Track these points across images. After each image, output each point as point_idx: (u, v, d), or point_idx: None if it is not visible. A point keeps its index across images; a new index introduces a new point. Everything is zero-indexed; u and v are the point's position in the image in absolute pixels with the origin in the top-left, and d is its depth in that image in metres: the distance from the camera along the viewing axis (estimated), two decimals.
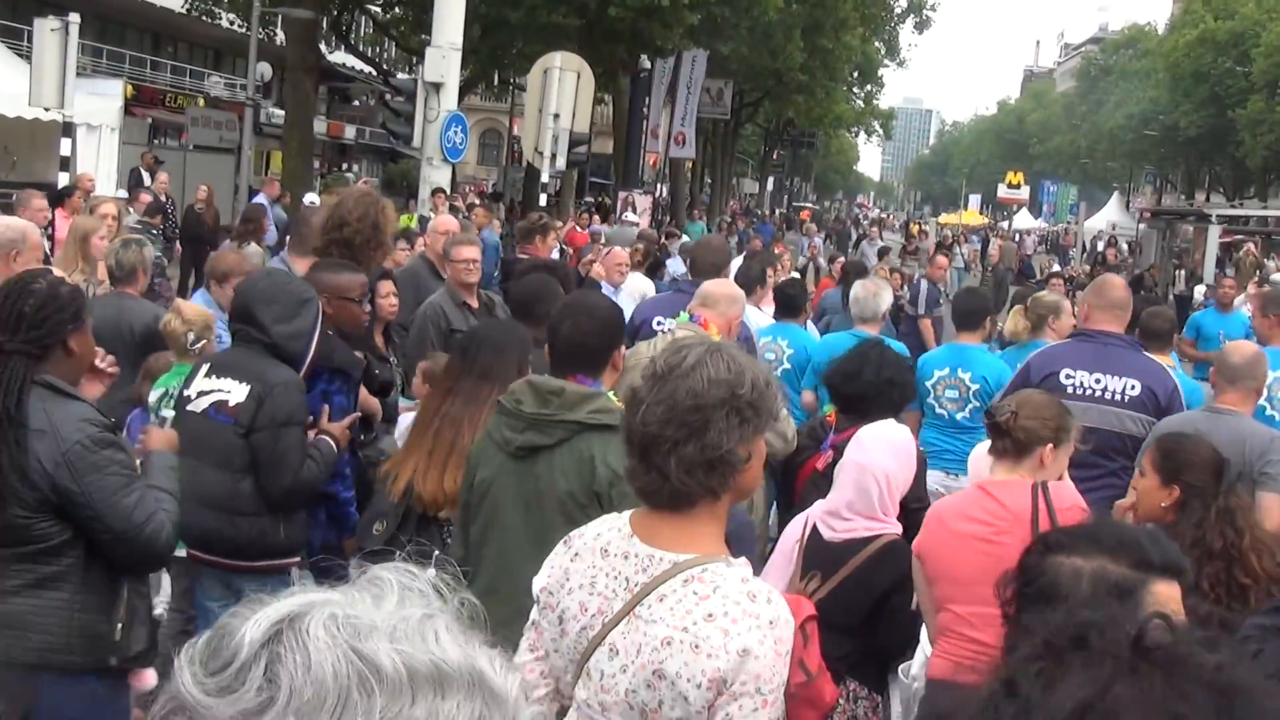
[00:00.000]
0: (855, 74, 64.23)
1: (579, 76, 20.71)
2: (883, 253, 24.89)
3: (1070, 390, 6.56)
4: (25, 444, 3.97)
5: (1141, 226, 51.12)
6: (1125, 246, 47.85)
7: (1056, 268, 36.03)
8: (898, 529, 4.99)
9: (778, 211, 71.74)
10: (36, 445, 3.98)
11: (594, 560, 2.99)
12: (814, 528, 5.02)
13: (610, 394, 4.20)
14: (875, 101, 74.64)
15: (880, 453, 5.01)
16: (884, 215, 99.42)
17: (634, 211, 32.77)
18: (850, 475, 4.99)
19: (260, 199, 22.38)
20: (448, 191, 20.29)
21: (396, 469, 4.97)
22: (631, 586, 2.88)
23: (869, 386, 5.99)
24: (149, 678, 4.40)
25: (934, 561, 4.70)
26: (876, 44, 59.94)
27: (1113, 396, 6.67)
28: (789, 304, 9.38)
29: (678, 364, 2.84)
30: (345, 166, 52.17)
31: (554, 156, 20.42)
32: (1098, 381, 6.70)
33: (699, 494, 2.84)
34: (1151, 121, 70.06)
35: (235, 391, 5.24)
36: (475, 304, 8.31)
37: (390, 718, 1.12)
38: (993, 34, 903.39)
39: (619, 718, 2.81)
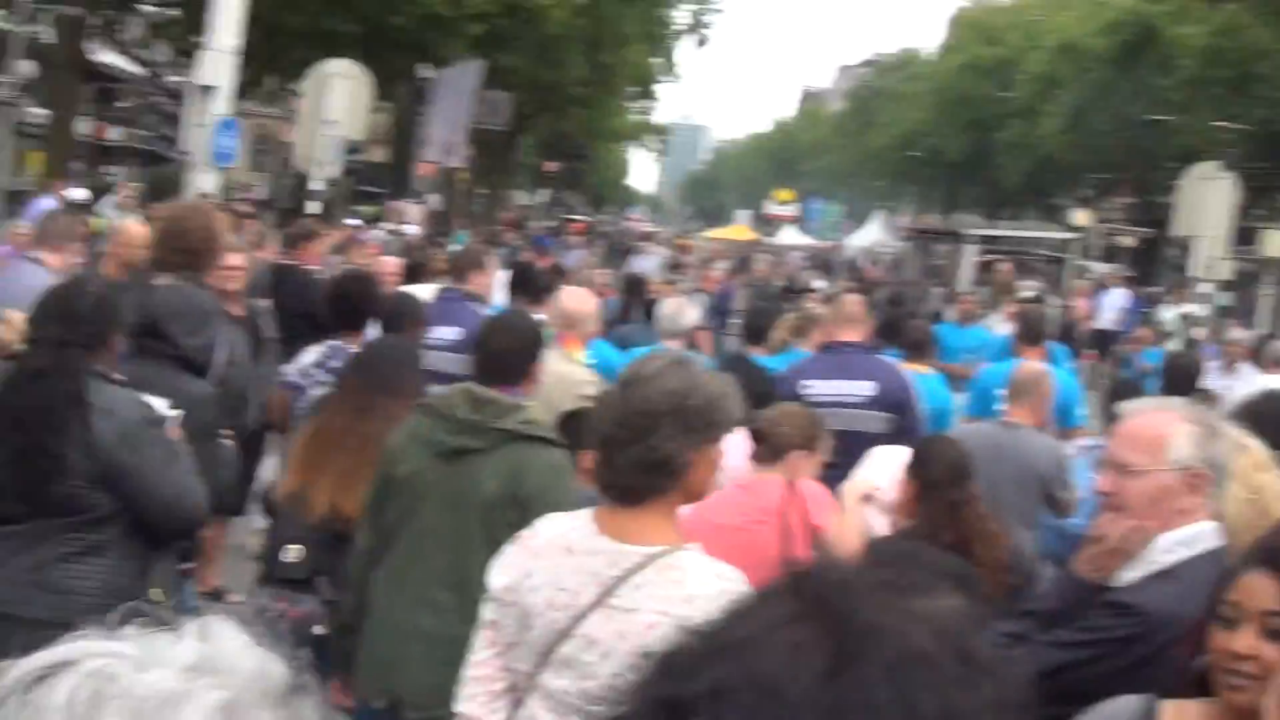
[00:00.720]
0: (633, 88, 64.87)
1: (357, 84, 20.59)
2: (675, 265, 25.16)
3: (811, 400, 6.92)
4: (90, 423, 4.39)
5: (902, 244, 52.87)
6: (886, 264, 49.41)
7: (817, 284, 37.03)
8: None
9: (551, 223, 71.98)
10: (99, 422, 4.42)
11: (558, 558, 3.20)
12: None
13: (531, 405, 4.59)
14: (650, 116, 75.36)
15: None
16: (655, 230, 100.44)
17: (407, 221, 32.50)
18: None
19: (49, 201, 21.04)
20: (214, 196, 19.91)
21: (306, 490, 5.11)
22: (602, 580, 3.10)
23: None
24: None
25: None
26: (655, 60, 60.55)
27: (850, 400, 7.22)
28: None
29: (639, 372, 3.21)
30: (108, 169, 50.51)
31: (327, 164, 20.25)
32: (835, 388, 7.24)
33: (645, 491, 3.14)
34: (917, 142, 72.40)
35: (155, 406, 5.19)
36: (240, 313, 7.96)
37: None
38: (771, 54, 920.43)
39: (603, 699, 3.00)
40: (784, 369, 7.97)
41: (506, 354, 4.69)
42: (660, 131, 78.99)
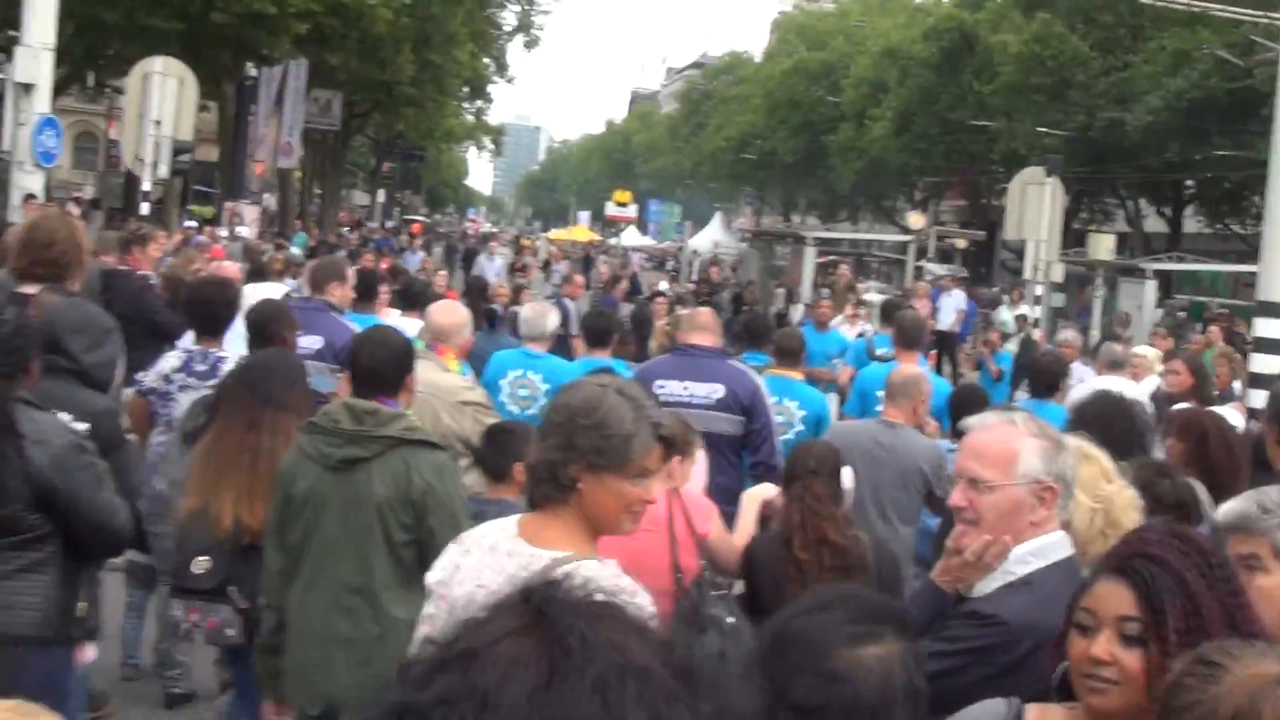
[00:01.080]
0: (466, 89, 64.53)
1: (181, 82, 20.03)
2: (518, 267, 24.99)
3: (662, 399, 6.99)
4: (23, 451, 4.52)
5: (743, 246, 53.37)
6: (728, 265, 49.81)
7: (663, 285, 37.13)
8: None
9: (386, 224, 71.23)
10: (32, 450, 4.54)
11: (482, 556, 3.43)
12: None
13: (410, 413, 4.91)
14: (485, 117, 75.10)
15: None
16: (495, 230, 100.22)
17: (242, 223, 31.88)
18: None
19: None
20: (40, 198, 19.22)
21: (209, 504, 5.25)
22: (514, 579, 2.92)
23: None
24: (91, 650, 5.05)
25: None
26: (486, 60, 60.33)
27: (700, 400, 7.42)
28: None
29: (567, 385, 3.51)
30: None
31: (155, 164, 19.69)
32: (685, 389, 7.46)
33: (541, 499, 3.38)
34: (750, 145, 73.22)
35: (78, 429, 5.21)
36: None
37: None
38: (600, 55, 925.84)
39: None
40: (637, 369, 8.19)
41: (381, 366, 4.91)
42: (495, 132, 78.74)
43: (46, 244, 6.47)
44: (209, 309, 7.39)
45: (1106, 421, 6.01)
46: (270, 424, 5.34)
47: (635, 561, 4.56)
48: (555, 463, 3.32)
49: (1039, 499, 3.42)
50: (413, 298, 10.39)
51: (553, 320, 9.16)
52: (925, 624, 3.50)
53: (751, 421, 7.44)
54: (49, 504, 4.64)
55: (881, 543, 5.59)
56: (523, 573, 3.15)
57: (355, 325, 8.08)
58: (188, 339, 7.66)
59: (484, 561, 3.41)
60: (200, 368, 7.03)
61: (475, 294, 15.10)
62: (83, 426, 4.87)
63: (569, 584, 1.45)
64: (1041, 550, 3.43)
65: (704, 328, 7.94)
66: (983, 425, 3.57)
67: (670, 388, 7.44)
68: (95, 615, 4.99)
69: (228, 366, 6.75)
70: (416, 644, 3.41)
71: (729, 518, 5.81)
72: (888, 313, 15.09)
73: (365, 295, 10.15)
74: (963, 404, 7.93)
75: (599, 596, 1.46)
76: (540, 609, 1.40)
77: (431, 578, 3.55)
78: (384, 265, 18.81)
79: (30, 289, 6.14)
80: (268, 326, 6.80)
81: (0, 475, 4.54)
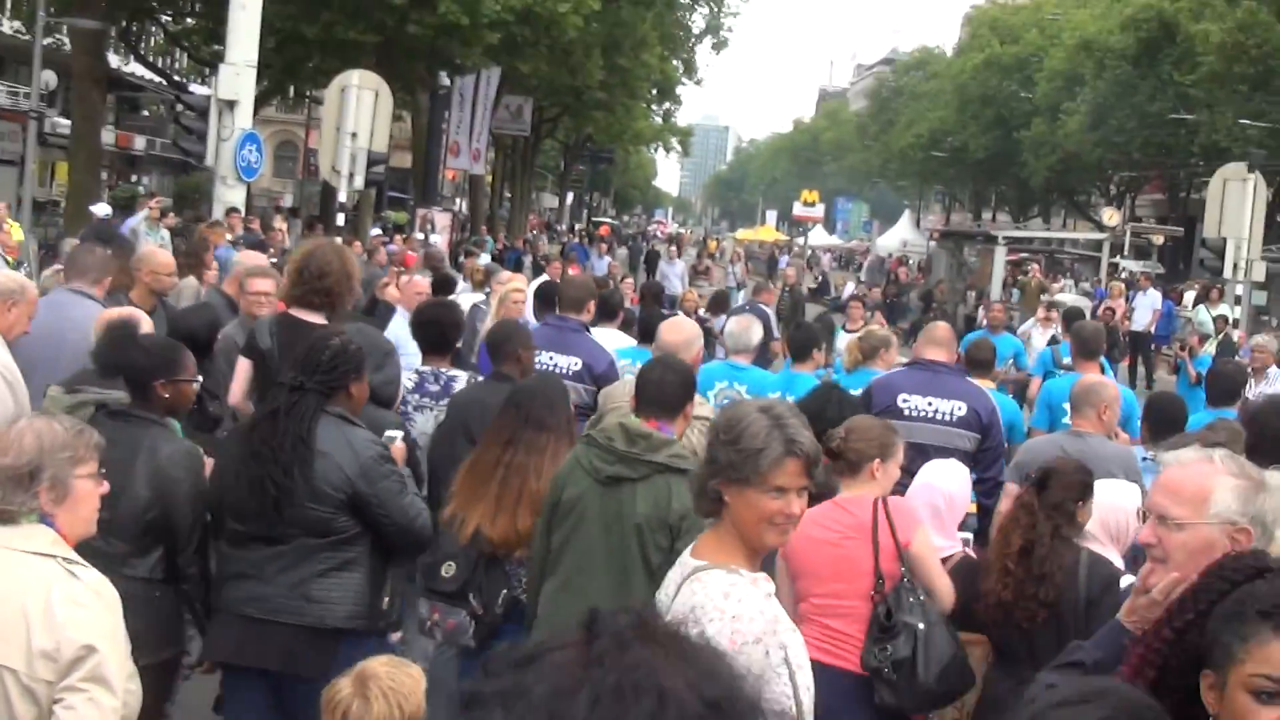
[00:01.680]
0: (654, 91, 64.90)
1: (377, 95, 20.54)
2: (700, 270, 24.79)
3: (906, 412, 7.55)
4: (311, 461, 5.07)
5: (931, 245, 52.66)
6: (915, 265, 49.26)
7: (851, 288, 36.80)
8: (959, 547, 6.06)
9: (577, 226, 72.01)
10: (341, 459, 5.14)
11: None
12: None
13: (680, 441, 5.22)
14: (673, 119, 75.43)
15: (945, 478, 6.18)
16: (682, 230, 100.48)
17: (434, 229, 32.57)
18: (921, 498, 6.00)
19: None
20: (241, 211, 19.93)
21: (462, 513, 5.60)
22: (675, 583, 3.70)
23: (831, 424, 6.16)
24: (397, 635, 5.89)
25: (794, 561, 5.55)
26: (675, 63, 60.61)
27: (943, 417, 7.65)
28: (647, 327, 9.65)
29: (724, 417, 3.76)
30: (135, 179, 50.69)
31: (352, 176, 20.23)
32: (930, 404, 7.69)
33: (704, 513, 3.77)
34: (940, 142, 72.16)
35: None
36: None
37: None
38: (788, 54, 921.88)
39: None
40: (880, 379, 8.27)
41: (668, 391, 5.36)
42: (683, 133, 79.01)
43: (320, 274, 7.00)
44: (436, 329, 7.75)
45: (1261, 424, 6.12)
46: (527, 443, 5.62)
47: (838, 565, 5.46)
48: (704, 477, 3.68)
49: (1232, 540, 3.28)
50: (611, 309, 10.40)
51: (756, 333, 9.15)
52: (1112, 665, 3.38)
53: (986, 440, 7.66)
54: (358, 508, 5.19)
55: (1099, 559, 5.48)
56: (680, 580, 3.66)
57: (608, 348, 8.69)
58: (416, 359, 7.95)
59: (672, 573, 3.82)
60: (433, 387, 7.46)
61: (649, 300, 14.91)
62: (397, 434, 5.76)
63: (631, 619, 1.65)
64: None
65: (940, 343, 8.20)
66: (1179, 461, 3.46)
67: (915, 402, 7.68)
68: (397, 609, 5.56)
69: (460, 385, 7.34)
70: None
71: None
72: (1070, 320, 14.94)
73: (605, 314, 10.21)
74: (1159, 411, 7.76)
75: (668, 624, 1.70)
76: (589, 626, 1.62)
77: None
78: (572, 270, 18.88)
79: (306, 315, 6.87)
80: (504, 345, 7.19)
81: (286, 480, 5.07)
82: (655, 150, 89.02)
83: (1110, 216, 44.36)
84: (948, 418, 7.63)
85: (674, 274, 28.51)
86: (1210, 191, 23.40)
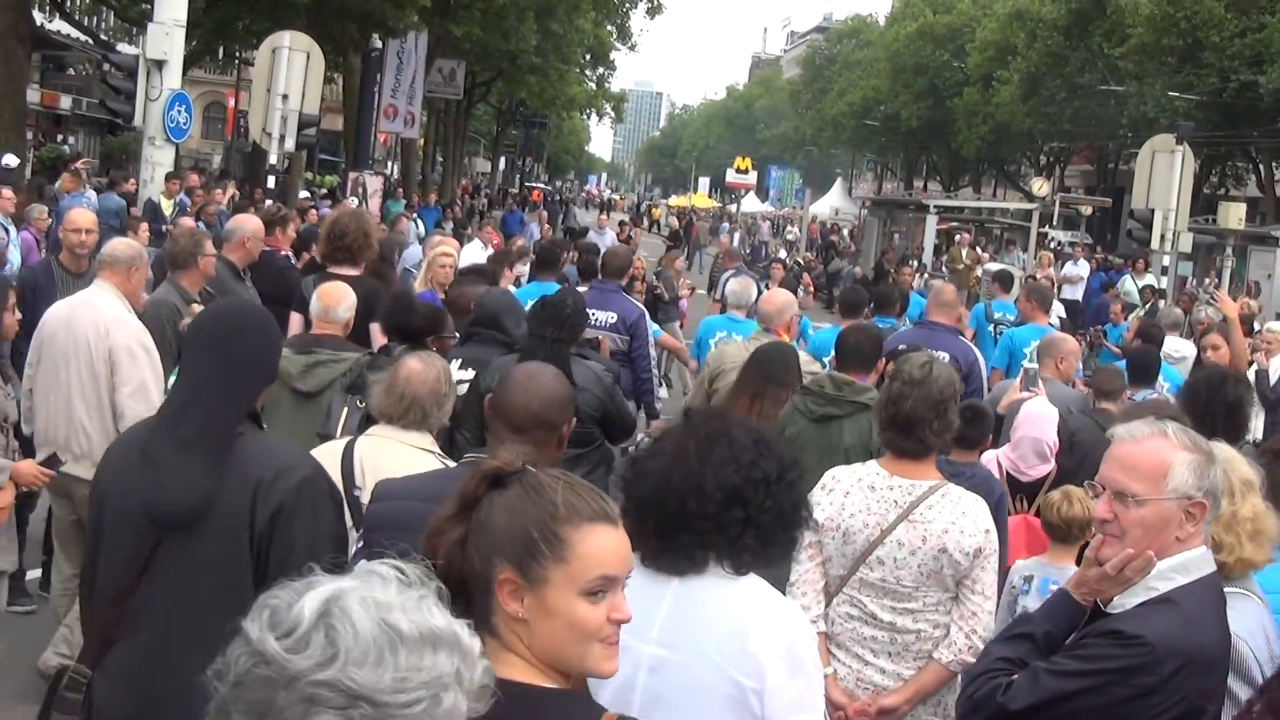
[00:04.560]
0: (588, 57, 64.59)
1: (309, 57, 20.26)
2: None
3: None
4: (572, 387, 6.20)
5: (863, 213, 52.89)
6: (848, 234, 49.46)
7: (782, 254, 36.94)
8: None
9: (508, 192, 71.71)
10: (594, 390, 7.04)
11: (865, 494, 4.87)
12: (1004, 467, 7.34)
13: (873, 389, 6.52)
14: (607, 84, 75.17)
15: (1045, 413, 7.49)
16: (615, 196, 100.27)
17: (365, 192, 32.23)
18: (1027, 431, 7.34)
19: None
20: (169, 169, 19.65)
21: None
22: (901, 505, 4.80)
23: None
24: None
25: None
26: (609, 28, 60.35)
27: None
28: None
29: (923, 372, 4.93)
30: (61, 139, 49.82)
31: (282, 138, 19.99)
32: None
33: (924, 450, 4.91)
34: (873, 110, 72.41)
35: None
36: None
37: (407, 667, 1.72)
38: (723, 19, 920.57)
39: (910, 581, 4.74)
40: (892, 335, 10.29)
41: (865, 349, 7.08)
42: (616, 99, 78.78)
43: (341, 235, 8.72)
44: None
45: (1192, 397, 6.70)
46: (772, 396, 6.76)
47: None
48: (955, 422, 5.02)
49: (1187, 514, 3.31)
50: (550, 261, 12.14)
51: (753, 292, 10.97)
52: (1061, 637, 3.45)
53: (968, 385, 8.74)
54: (604, 422, 7.20)
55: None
56: (907, 497, 4.80)
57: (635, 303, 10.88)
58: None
59: (869, 497, 4.84)
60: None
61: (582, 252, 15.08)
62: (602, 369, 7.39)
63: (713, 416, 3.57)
64: (1184, 566, 3.33)
65: (945, 305, 10.34)
66: (1132, 436, 3.43)
67: None
68: None
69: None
70: (801, 564, 4.83)
71: None
72: (1000, 281, 16.15)
73: (547, 266, 11.97)
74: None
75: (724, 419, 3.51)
76: (687, 415, 3.56)
77: (820, 515, 4.80)
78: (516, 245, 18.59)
79: (337, 269, 8.55)
80: (500, 317, 7.89)
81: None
82: (588, 116, 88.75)
83: (1040, 186, 44.61)
84: None
85: (605, 244, 28.43)
86: (1139, 163, 23.62)
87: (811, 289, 21.88)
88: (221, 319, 3.95)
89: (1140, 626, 3.24)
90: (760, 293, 10.98)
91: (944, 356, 8.71)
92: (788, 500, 3.29)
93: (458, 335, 7.99)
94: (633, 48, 68.89)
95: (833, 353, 7.65)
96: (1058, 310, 17.63)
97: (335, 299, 7.13)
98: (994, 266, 26.26)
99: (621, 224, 34.33)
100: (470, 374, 7.10)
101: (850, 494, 4.85)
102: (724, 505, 3.18)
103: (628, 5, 58.87)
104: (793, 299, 9.66)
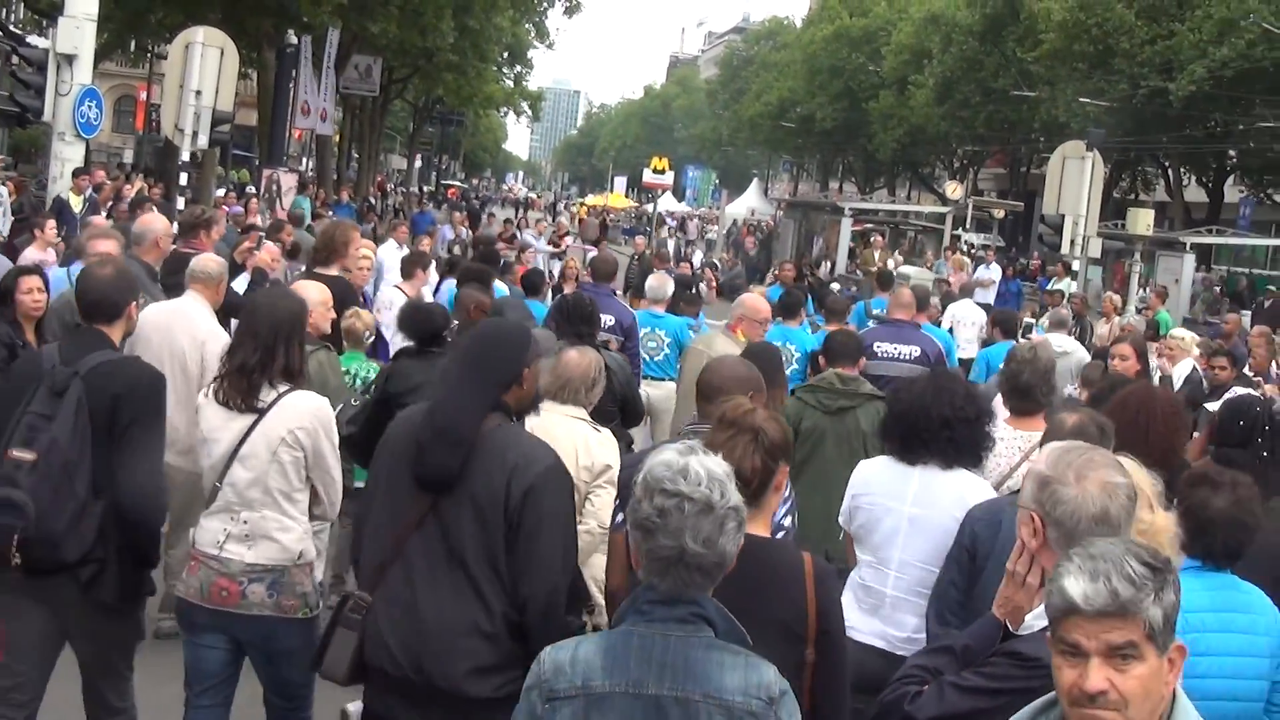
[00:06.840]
0: (505, 54, 64.31)
1: (222, 53, 19.97)
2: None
3: (881, 355, 10.68)
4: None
5: (779, 214, 53.11)
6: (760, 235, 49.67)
7: (697, 257, 37.10)
8: None
9: (424, 189, 71.26)
10: (620, 373, 8.31)
11: (998, 444, 5.96)
12: None
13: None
14: (524, 82, 74.98)
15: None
16: (533, 195, 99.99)
17: (279, 189, 31.88)
18: None
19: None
20: (79, 164, 19.36)
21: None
22: (1023, 450, 6.21)
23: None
24: None
25: None
26: (526, 26, 60.14)
27: (904, 357, 10.88)
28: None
29: (1031, 353, 6.65)
30: None
31: (195, 134, 19.71)
32: (896, 349, 10.97)
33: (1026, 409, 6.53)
34: (789, 111, 72.82)
35: None
36: None
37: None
38: (640, 19, 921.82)
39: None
40: (863, 332, 11.55)
41: (850, 347, 8.42)
42: (534, 97, 78.57)
43: (328, 241, 10.04)
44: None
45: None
46: (771, 399, 7.04)
47: None
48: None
49: None
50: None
51: (669, 287, 12.56)
52: (978, 653, 3.46)
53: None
54: (622, 406, 8.26)
55: None
56: (1027, 445, 6.15)
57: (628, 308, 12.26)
58: None
59: (999, 446, 5.97)
60: None
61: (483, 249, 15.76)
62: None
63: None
64: None
65: (904, 305, 11.71)
66: (1051, 453, 3.46)
67: (885, 348, 10.86)
68: None
69: None
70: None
71: None
72: (882, 280, 18.16)
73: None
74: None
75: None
76: (932, 370, 7.42)
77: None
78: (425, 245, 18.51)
79: (324, 270, 9.62)
80: (574, 313, 8.66)
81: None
82: (505, 114, 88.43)
83: (953, 189, 45.23)
84: (906, 357, 10.86)
85: (539, 248, 28.55)
86: (1050, 169, 23.87)
87: (714, 285, 24.62)
88: (477, 334, 4.96)
89: (1038, 649, 3.18)
90: (676, 289, 12.70)
91: (914, 350, 10.95)
92: (980, 430, 5.50)
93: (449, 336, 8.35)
94: (550, 46, 68.89)
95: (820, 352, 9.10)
96: (972, 314, 17.88)
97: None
98: (908, 270, 26.52)
99: (559, 223, 34.46)
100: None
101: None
102: (940, 428, 5.38)
103: (545, 4, 58.76)
104: (765, 305, 10.74)
